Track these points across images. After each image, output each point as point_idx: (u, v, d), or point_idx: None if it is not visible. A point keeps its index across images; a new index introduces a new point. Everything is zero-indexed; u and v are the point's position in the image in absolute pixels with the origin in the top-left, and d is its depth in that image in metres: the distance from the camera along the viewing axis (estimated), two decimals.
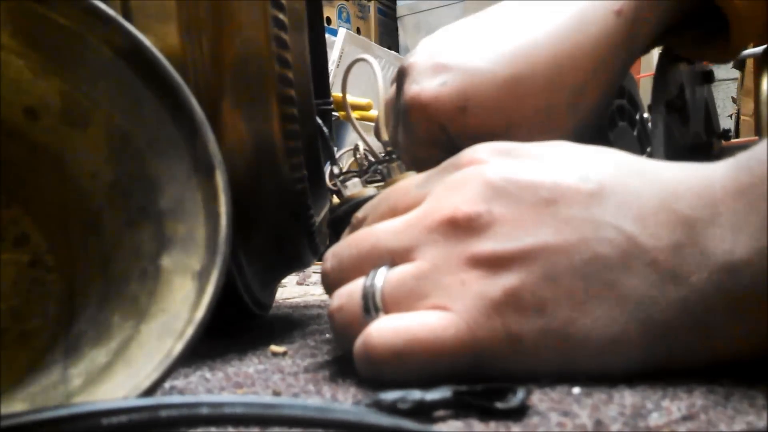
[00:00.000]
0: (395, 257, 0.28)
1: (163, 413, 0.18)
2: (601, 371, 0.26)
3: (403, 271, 0.27)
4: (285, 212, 0.37)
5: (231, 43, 0.34)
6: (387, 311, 0.27)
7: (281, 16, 0.35)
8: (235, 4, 0.34)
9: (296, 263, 0.41)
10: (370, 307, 0.27)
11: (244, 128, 0.34)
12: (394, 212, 0.30)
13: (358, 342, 0.27)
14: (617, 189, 0.26)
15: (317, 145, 0.41)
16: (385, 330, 0.26)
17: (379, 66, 0.40)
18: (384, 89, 0.39)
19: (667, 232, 0.25)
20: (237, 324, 0.42)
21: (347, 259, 0.30)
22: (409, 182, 0.31)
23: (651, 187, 0.26)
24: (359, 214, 0.33)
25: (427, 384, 0.24)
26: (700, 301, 0.24)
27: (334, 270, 0.30)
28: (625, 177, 0.26)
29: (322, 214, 0.43)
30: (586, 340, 0.25)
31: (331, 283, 0.30)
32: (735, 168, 0.25)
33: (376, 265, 0.28)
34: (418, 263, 0.27)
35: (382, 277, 0.27)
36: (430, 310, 0.26)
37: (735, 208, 0.24)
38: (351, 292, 0.28)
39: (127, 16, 0.32)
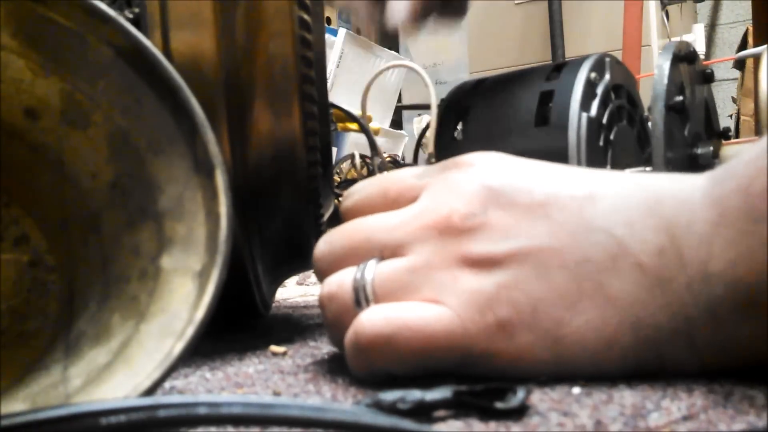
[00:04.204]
0: (386, 251, 0.28)
1: (162, 413, 0.18)
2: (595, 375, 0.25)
3: (395, 264, 0.27)
4: (298, 208, 0.37)
5: (262, 44, 0.34)
6: (378, 302, 0.27)
7: (305, 16, 0.36)
8: (265, 5, 0.34)
9: (303, 262, 0.41)
10: (361, 298, 0.27)
11: (270, 125, 0.35)
12: (386, 198, 0.30)
13: (349, 330, 0.27)
14: (608, 195, 0.27)
15: (330, 144, 0.41)
16: (376, 317, 0.26)
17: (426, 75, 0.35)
18: (434, 96, 0.38)
19: (653, 236, 0.25)
20: (241, 323, 0.42)
21: (339, 248, 0.30)
22: (406, 171, 0.31)
23: (639, 194, 0.26)
24: (348, 194, 0.33)
25: (415, 378, 0.24)
26: (681, 307, 0.24)
27: (324, 256, 0.30)
28: (615, 184, 0.27)
29: (328, 215, 0.43)
30: (580, 342, 0.25)
31: (322, 269, 0.31)
32: (711, 180, 0.25)
33: (366, 258, 0.28)
34: (411, 258, 0.27)
35: (372, 271, 0.28)
36: (421, 302, 0.26)
37: (709, 218, 0.24)
38: (341, 282, 0.28)
39: (163, 16, 0.33)
